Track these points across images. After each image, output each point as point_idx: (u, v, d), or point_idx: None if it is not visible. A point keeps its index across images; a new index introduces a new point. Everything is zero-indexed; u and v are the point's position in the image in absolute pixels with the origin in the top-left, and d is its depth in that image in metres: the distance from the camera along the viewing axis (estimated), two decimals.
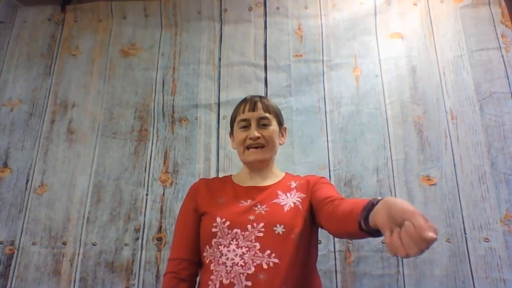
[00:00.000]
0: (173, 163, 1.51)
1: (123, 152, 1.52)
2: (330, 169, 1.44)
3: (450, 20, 1.57)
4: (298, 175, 1.14)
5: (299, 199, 0.99)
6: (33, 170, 1.51)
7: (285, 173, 1.13)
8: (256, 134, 1.04)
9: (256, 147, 1.05)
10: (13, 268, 1.38)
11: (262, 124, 1.07)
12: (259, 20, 1.70)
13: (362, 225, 0.71)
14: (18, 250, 1.40)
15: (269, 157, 1.08)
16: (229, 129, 1.20)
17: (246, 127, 1.07)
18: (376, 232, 0.67)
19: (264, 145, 1.06)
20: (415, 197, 1.37)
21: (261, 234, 0.90)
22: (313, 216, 0.97)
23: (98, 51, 1.69)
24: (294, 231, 0.91)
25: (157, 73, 1.64)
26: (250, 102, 1.09)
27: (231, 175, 1.15)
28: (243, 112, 1.08)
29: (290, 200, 0.98)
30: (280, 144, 1.12)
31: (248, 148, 1.06)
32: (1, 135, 1.56)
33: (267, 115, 1.08)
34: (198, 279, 0.99)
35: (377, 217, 0.64)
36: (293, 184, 1.05)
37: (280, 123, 1.13)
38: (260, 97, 1.14)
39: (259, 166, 1.08)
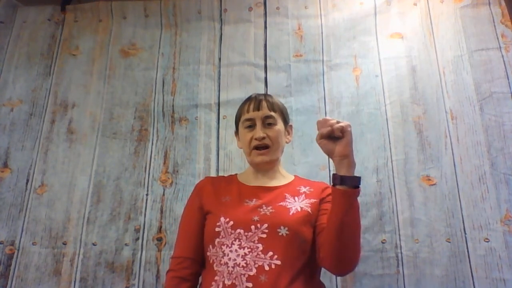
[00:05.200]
0: (173, 163, 1.50)
1: (123, 152, 1.52)
2: (330, 169, 1.44)
3: (450, 20, 1.57)
4: (308, 179, 1.12)
5: (308, 204, 0.97)
6: (33, 170, 1.51)
7: (294, 176, 1.13)
8: (262, 134, 1.04)
9: (262, 148, 1.04)
10: (13, 268, 1.38)
11: (267, 123, 1.06)
12: (259, 20, 1.70)
13: (336, 183, 0.86)
14: (18, 250, 1.40)
15: (275, 158, 1.07)
16: (229, 129, 1.19)
17: (251, 126, 1.07)
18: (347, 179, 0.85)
19: (269, 145, 1.04)
20: (415, 197, 1.37)
21: (264, 236, 0.90)
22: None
23: (98, 51, 1.69)
24: (298, 235, 0.91)
25: (157, 73, 1.64)
26: (255, 101, 1.08)
27: (236, 174, 1.14)
28: (248, 112, 1.08)
29: (297, 204, 0.97)
30: (286, 142, 1.12)
31: (254, 149, 1.05)
32: (1, 135, 1.55)
33: (272, 113, 1.07)
34: (200, 278, 0.98)
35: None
36: (303, 189, 1.04)
37: (285, 120, 1.12)
38: (265, 95, 1.13)
39: (266, 168, 1.08)
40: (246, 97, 1.15)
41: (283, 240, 0.89)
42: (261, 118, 1.06)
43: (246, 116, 1.08)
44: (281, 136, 1.08)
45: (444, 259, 1.29)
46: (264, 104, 1.07)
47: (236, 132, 1.16)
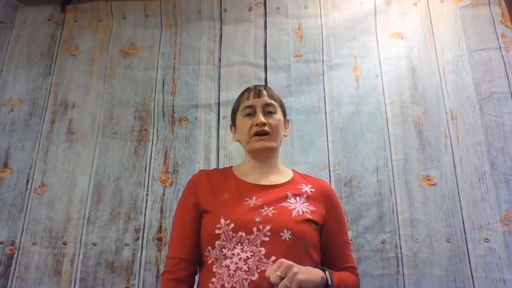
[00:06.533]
0: (173, 163, 1.51)
1: (123, 152, 1.52)
2: (330, 169, 1.44)
3: (450, 20, 1.57)
4: (306, 174, 1.10)
5: (308, 210, 0.95)
6: (33, 170, 1.51)
7: (293, 171, 1.10)
8: (263, 119, 1.01)
9: (262, 135, 1.01)
10: (13, 268, 1.38)
11: (268, 111, 1.04)
12: (259, 20, 1.70)
13: None
14: (18, 250, 1.40)
15: (275, 146, 1.04)
16: (229, 129, 1.17)
17: (251, 114, 1.04)
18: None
19: (269, 133, 1.02)
20: (415, 197, 1.37)
21: (267, 239, 0.87)
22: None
23: (98, 51, 1.69)
24: (301, 239, 0.90)
25: (157, 73, 1.64)
26: (255, 89, 1.07)
27: (231, 167, 1.11)
28: (248, 99, 1.05)
29: (299, 206, 0.95)
30: (284, 135, 1.10)
31: (254, 135, 1.02)
32: (1, 135, 1.55)
33: (273, 102, 1.06)
34: (198, 277, 0.97)
35: None
36: (304, 188, 1.02)
37: (284, 113, 1.11)
38: (264, 85, 1.11)
39: (265, 156, 1.05)
40: None
41: (285, 244, 0.87)
42: (261, 106, 1.04)
43: (246, 103, 1.05)
44: (281, 125, 1.06)
45: (444, 259, 1.29)
46: (264, 92, 1.06)
47: (232, 126, 1.14)
